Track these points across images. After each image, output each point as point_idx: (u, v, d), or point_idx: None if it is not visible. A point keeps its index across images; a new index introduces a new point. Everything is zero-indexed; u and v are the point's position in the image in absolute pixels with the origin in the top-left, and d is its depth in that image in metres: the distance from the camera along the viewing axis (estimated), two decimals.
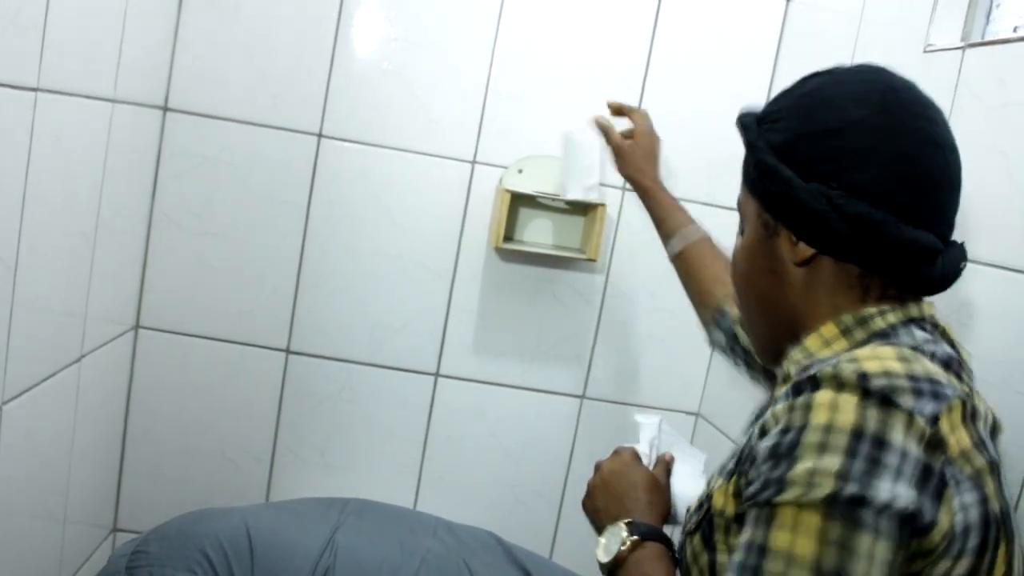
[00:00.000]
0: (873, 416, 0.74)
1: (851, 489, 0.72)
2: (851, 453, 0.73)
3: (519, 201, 1.96)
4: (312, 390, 2.00)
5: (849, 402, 0.75)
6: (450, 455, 2.06)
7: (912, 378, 0.76)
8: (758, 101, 1.95)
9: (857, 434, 0.73)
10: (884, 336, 0.87)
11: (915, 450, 0.73)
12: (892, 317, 0.88)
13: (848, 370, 0.77)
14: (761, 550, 0.75)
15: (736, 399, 1.94)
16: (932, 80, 1.40)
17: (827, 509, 0.73)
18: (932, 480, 0.74)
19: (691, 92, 1.98)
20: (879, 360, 0.78)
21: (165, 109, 1.87)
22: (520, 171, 1.93)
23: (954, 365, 0.85)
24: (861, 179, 0.85)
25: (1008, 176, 1.21)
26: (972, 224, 1.23)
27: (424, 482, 2.05)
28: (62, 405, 1.56)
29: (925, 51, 1.44)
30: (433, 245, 1.98)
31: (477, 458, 2.07)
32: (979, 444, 0.79)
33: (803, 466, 0.74)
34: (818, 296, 0.91)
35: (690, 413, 2.10)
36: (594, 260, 1.92)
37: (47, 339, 1.45)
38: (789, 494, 0.74)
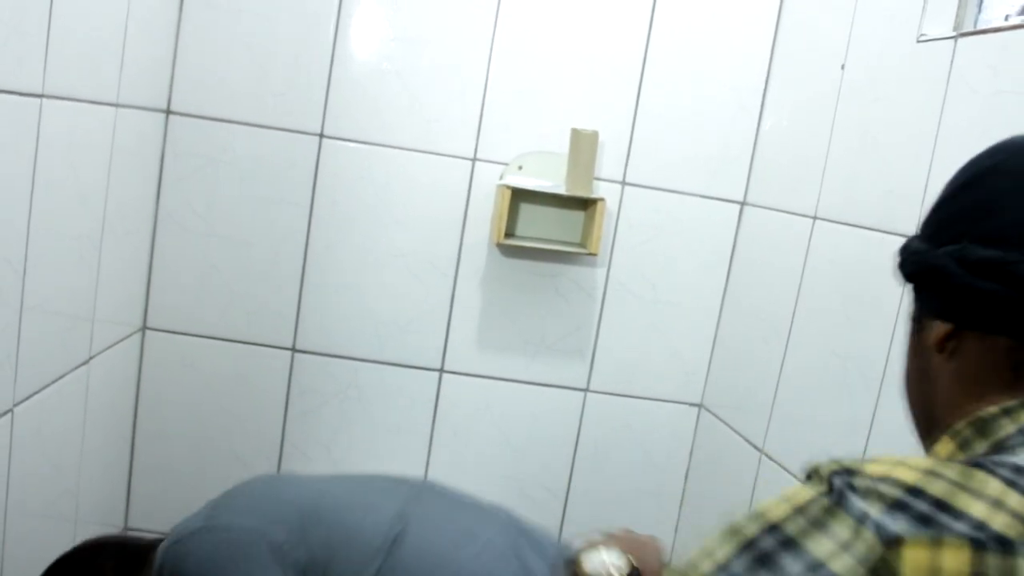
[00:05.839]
0: (810, 514, 0.59)
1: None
2: (746, 546, 0.59)
3: (520, 197, 1.98)
4: (318, 388, 2.02)
5: (800, 494, 0.61)
6: (456, 450, 2.08)
7: (912, 491, 0.58)
8: (754, 95, 1.98)
9: (771, 528, 0.59)
10: (1004, 449, 0.66)
11: (839, 567, 0.56)
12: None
13: (829, 465, 0.62)
14: None
15: (739, 390, 1.95)
16: (926, 70, 1.42)
17: None
18: None
19: (688, 85, 1.99)
20: (889, 466, 0.61)
21: (168, 112, 1.89)
22: (520, 167, 1.95)
23: None
24: (991, 226, 0.70)
25: None
26: None
27: (431, 477, 2.07)
28: (72, 406, 1.58)
29: (918, 41, 1.46)
30: (435, 242, 2.00)
31: (483, 453, 2.09)
32: None
33: (701, 547, 0.62)
34: (963, 390, 0.73)
35: (693, 404, 2.12)
36: (595, 254, 1.94)
37: (56, 342, 1.47)
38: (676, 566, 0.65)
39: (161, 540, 1.36)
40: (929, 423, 0.77)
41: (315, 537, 1.24)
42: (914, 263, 0.76)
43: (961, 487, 0.58)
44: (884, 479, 0.59)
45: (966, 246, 0.70)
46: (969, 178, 0.74)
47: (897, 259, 0.79)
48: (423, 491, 1.48)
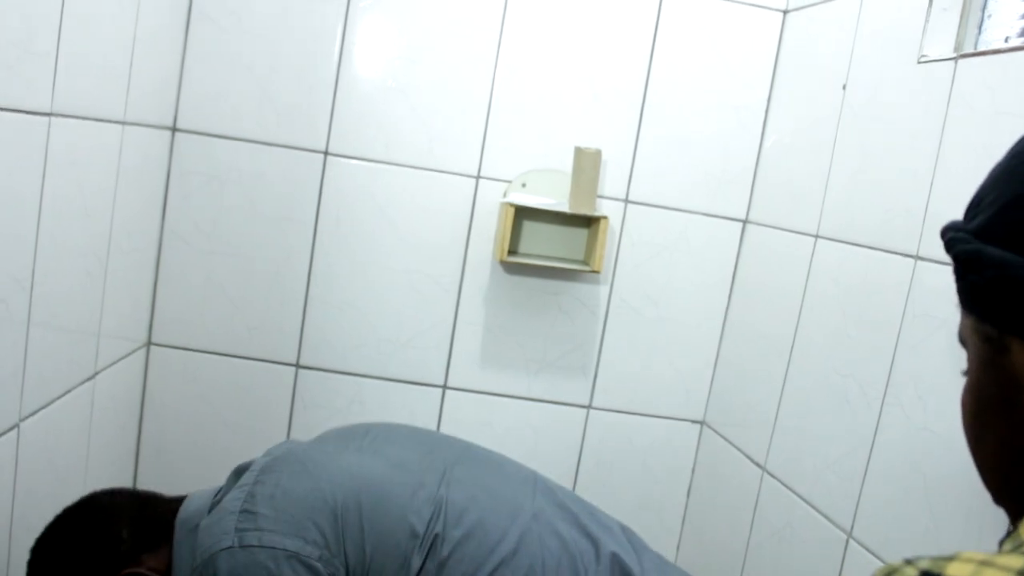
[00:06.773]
0: None
1: None
2: None
3: (523, 214, 1.99)
4: (322, 404, 2.03)
5: None
6: None
7: None
8: (756, 114, 1.99)
9: None
10: None
11: None
12: None
13: (907, 571, 0.50)
14: None
15: (741, 408, 1.96)
16: (926, 90, 1.43)
17: None
18: None
19: (691, 104, 2.01)
20: (975, 566, 0.49)
21: (174, 130, 1.90)
22: (523, 185, 1.96)
23: None
24: None
25: None
26: None
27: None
28: (77, 421, 1.59)
29: (919, 62, 1.47)
30: (439, 259, 2.01)
31: None
32: None
33: None
34: None
35: (695, 422, 2.12)
36: (598, 272, 1.95)
37: (62, 357, 1.48)
38: None
39: (175, 501, 1.33)
40: (1011, 470, 0.63)
41: (351, 544, 1.22)
42: (1002, 277, 0.59)
43: None
44: None
45: None
46: None
47: (963, 268, 0.64)
48: (455, 462, 1.40)
